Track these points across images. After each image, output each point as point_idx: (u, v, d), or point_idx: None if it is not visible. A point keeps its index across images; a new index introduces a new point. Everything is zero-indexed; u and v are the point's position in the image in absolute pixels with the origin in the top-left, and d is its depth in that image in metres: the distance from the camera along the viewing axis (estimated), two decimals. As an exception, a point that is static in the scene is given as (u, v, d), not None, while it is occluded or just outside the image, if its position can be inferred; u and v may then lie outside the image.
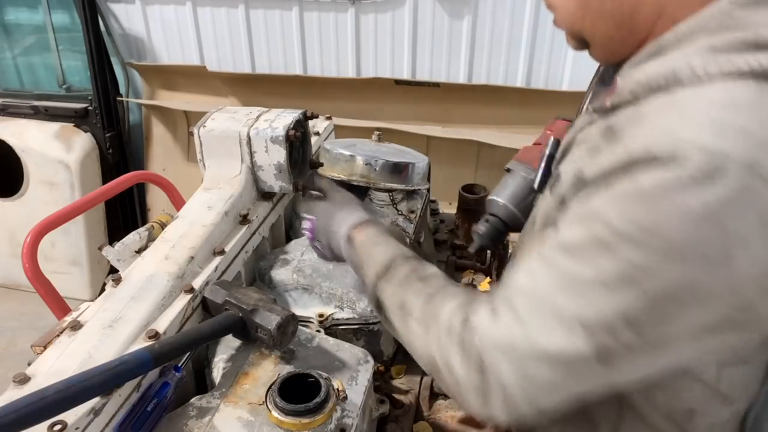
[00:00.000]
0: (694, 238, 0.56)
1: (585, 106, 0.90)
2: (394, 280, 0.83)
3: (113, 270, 1.11)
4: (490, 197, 1.14)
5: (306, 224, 1.04)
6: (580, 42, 0.77)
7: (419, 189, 1.41)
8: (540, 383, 0.66)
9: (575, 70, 2.42)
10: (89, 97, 2.92)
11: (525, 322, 0.66)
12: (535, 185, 0.95)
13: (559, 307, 0.64)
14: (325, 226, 0.99)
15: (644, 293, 0.59)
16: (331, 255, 1.00)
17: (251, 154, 1.19)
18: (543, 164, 0.95)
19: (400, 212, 1.36)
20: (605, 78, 0.85)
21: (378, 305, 0.85)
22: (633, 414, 0.81)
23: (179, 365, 0.87)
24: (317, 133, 1.56)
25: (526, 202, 1.09)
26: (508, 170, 1.15)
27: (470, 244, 1.16)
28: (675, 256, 0.57)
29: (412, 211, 1.37)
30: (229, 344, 0.94)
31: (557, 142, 0.95)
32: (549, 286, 0.65)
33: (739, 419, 0.85)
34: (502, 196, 1.11)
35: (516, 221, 1.08)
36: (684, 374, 0.75)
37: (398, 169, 1.34)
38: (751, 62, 0.58)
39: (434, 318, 0.75)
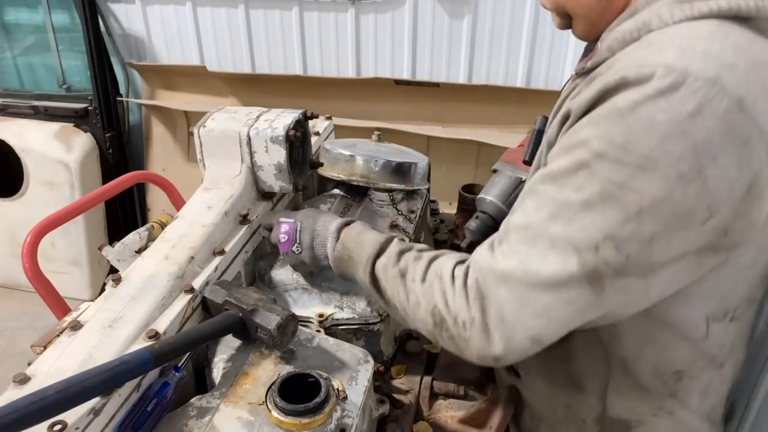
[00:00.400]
0: (664, 150, 0.61)
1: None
2: (391, 255, 0.87)
3: (113, 270, 1.11)
4: (479, 196, 1.21)
5: (283, 227, 1.04)
6: (564, 17, 0.83)
7: (419, 189, 1.41)
8: (536, 309, 0.69)
9: (575, 70, 2.41)
10: (89, 97, 2.92)
11: (520, 252, 0.71)
12: (526, 157, 1.05)
13: (551, 234, 0.68)
14: (310, 226, 1.01)
15: (622, 209, 0.63)
16: (311, 257, 1.01)
17: (251, 154, 1.19)
18: (533, 139, 1.03)
19: (400, 212, 1.36)
20: (586, 53, 0.89)
21: (375, 282, 0.88)
22: (621, 374, 0.83)
23: (179, 365, 0.87)
24: (317, 133, 1.56)
25: (513, 198, 1.16)
26: (495, 171, 1.23)
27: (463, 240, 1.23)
28: (648, 170, 0.62)
29: (412, 211, 1.37)
30: (229, 344, 0.94)
31: (545, 119, 1.02)
32: (540, 216, 0.70)
33: (728, 387, 0.88)
34: (490, 194, 1.19)
35: (504, 217, 1.11)
36: (673, 332, 0.78)
37: (398, 169, 1.34)
38: (711, 5, 0.65)
39: (437, 273, 0.79)
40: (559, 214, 0.67)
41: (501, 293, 0.71)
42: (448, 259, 0.82)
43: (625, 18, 0.72)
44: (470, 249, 1.10)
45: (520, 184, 1.18)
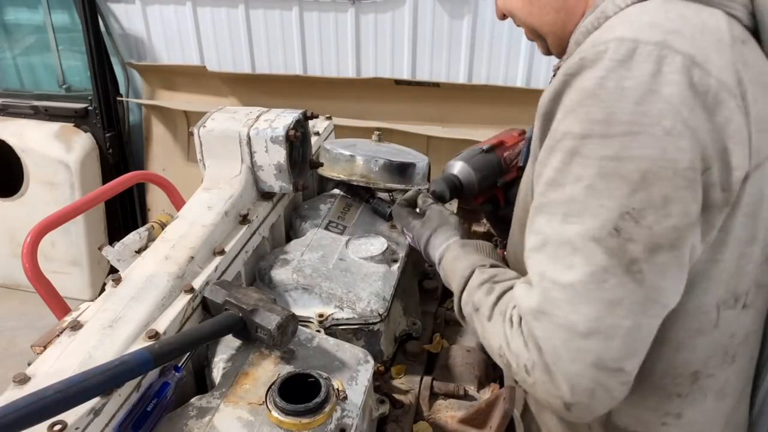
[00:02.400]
0: (643, 112, 0.62)
1: None
2: (471, 289, 0.84)
3: (113, 270, 1.11)
4: (447, 164, 1.24)
5: (408, 237, 1.10)
6: (541, 39, 0.87)
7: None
8: (583, 326, 0.63)
9: (575, 70, 2.42)
10: (89, 97, 2.92)
11: (545, 275, 0.67)
12: (520, 162, 1.08)
13: (569, 238, 0.66)
14: (422, 249, 1.04)
15: (625, 180, 0.63)
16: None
17: (251, 154, 1.19)
18: (526, 145, 1.08)
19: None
20: None
21: (463, 318, 0.87)
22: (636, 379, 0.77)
23: (179, 365, 0.87)
24: (317, 133, 1.56)
25: (476, 159, 1.20)
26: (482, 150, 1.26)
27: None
28: (635, 134, 0.63)
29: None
30: (229, 344, 0.94)
31: None
32: (554, 226, 0.68)
33: (744, 385, 0.85)
34: (461, 157, 1.22)
35: (470, 183, 1.18)
36: (686, 327, 0.74)
37: (398, 169, 1.34)
38: None
39: (501, 311, 0.76)
40: (570, 213, 0.66)
41: (545, 327, 0.66)
42: (509, 296, 0.77)
43: (587, 15, 0.76)
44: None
45: (480, 152, 1.22)
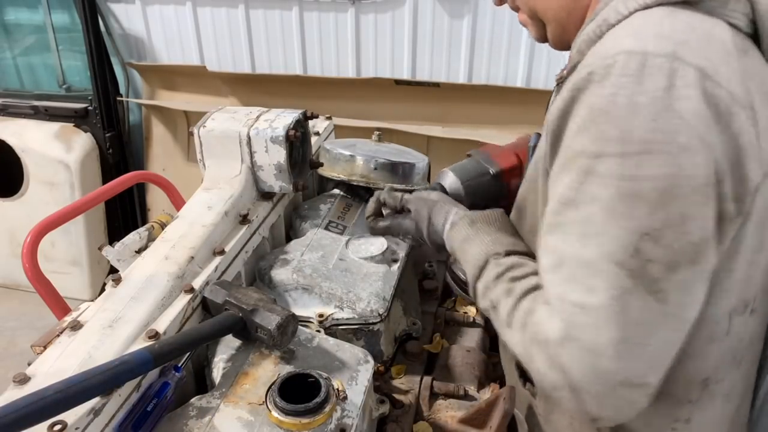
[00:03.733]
0: (658, 128, 0.61)
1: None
2: (487, 281, 0.82)
3: (113, 270, 1.11)
4: (442, 170, 1.22)
5: (407, 241, 1.09)
6: (538, 24, 0.85)
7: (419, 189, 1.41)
8: (612, 350, 0.63)
9: (575, 70, 2.42)
10: (89, 97, 2.92)
11: (569, 298, 0.66)
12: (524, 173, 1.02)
13: (587, 259, 0.64)
14: (427, 241, 1.01)
15: (644, 200, 0.62)
16: (435, 246, 1.01)
17: (251, 154, 1.19)
18: (530, 154, 1.04)
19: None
20: None
21: (479, 302, 0.86)
22: None
23: (179, 365, 0.87)
24: (317, 133, 1.56)
25: (476, 182, 1.18)
26: (469, 155, 1.25)
27: None
28: (651, 152, 0.61)
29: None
30: (229, 344, 0.94)
31: (538, 136, 1.01)
32: (570, 247, 0.67)
33: (748, 384, 0.85)
34: (453, 169, 1.20)
35: (458, 193, 1.17)
36: (699, 336, 0.73)
37: (398, 169, 1.34)
38: None
39: (522, 322, 0.74)
40: (587, 233, 0.65)
41: (571, 353, 0.65)
42: (534, 300, 0.74)
43: (589, 21, 0.75)
44: None
45: (485, 175, 1.18)
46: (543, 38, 0.86)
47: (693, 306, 0.67)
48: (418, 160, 1.42)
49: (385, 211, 1.13)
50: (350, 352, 0.95)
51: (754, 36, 0.71)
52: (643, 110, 0.61)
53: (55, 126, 2.94)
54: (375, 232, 1.13)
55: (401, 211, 1.09)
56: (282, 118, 1.19)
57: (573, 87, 0.67)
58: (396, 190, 1.13)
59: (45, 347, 0.85)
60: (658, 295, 0.63)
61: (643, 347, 0.64)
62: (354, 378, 0.89)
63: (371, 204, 1.14)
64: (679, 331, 0.66)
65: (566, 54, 0.81)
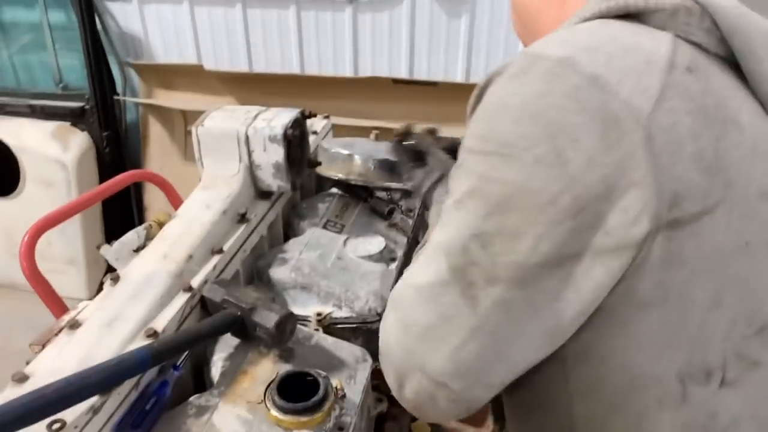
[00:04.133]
0: (518, 134, 0.57)
1: None
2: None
3: (110, 269, 1.11)
4: None
5: (407, 185, 1.13)
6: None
7: (417, 188, 1.41)
8: (418, 329, 0.62)
9: (572, 70, 2.42)
10: (86, 96, 2.91)
11: (410, 270, 0.68)
12: None
13: (433, 243, 0.64)
14: (422, 197, 1.06)
15: (485, 201, 0.59)
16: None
17: (249, 153, 1.19)
18: None
19: (400, 210, 1.36)
20: None
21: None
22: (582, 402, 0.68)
23: (178, 364, 0.87)
24: (315, 132, 1.55)
25: None
26: None
27: None
28: (506, 156, 0.58)
29: (411, 210, 1.37)
30: (227, 343, 0.94)
31: None
32: (434, 230, 0.67)
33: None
34: None
35: None
36: (645, 393, 0.64)
37: (396, 168, 1.34)
38: (600, 6, 0.64)
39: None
40: (443, 222, 0.64)
41: (392, 320, 0.66)
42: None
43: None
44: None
45: None
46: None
47: (512, 333, 0.60)
48: (416, 159, 1.42)
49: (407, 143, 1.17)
50: (348, 350, 0.95)
51: (731, 58, 0.62)
52: (510, 112, 0.58)
53: (51, 125, 2.93)
54: (396, 148, 1.17)
55: (419, 155, 1.11)
56: (280, 117, 1.20)
57: (478, 88, 0.65)
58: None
59: (43, 346, 0.85)
60: (470, 300, 0.60)
61: (442, 342, 0.61)
62: (352, 376, 0.90)
63: (403, 126, 1.17)
64: (487, 349, 0.60)
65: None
